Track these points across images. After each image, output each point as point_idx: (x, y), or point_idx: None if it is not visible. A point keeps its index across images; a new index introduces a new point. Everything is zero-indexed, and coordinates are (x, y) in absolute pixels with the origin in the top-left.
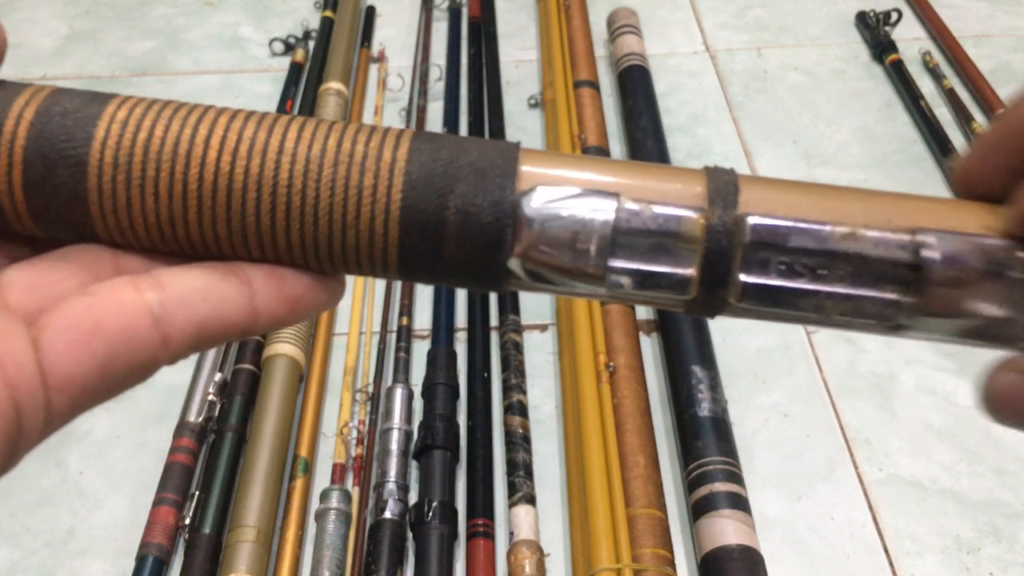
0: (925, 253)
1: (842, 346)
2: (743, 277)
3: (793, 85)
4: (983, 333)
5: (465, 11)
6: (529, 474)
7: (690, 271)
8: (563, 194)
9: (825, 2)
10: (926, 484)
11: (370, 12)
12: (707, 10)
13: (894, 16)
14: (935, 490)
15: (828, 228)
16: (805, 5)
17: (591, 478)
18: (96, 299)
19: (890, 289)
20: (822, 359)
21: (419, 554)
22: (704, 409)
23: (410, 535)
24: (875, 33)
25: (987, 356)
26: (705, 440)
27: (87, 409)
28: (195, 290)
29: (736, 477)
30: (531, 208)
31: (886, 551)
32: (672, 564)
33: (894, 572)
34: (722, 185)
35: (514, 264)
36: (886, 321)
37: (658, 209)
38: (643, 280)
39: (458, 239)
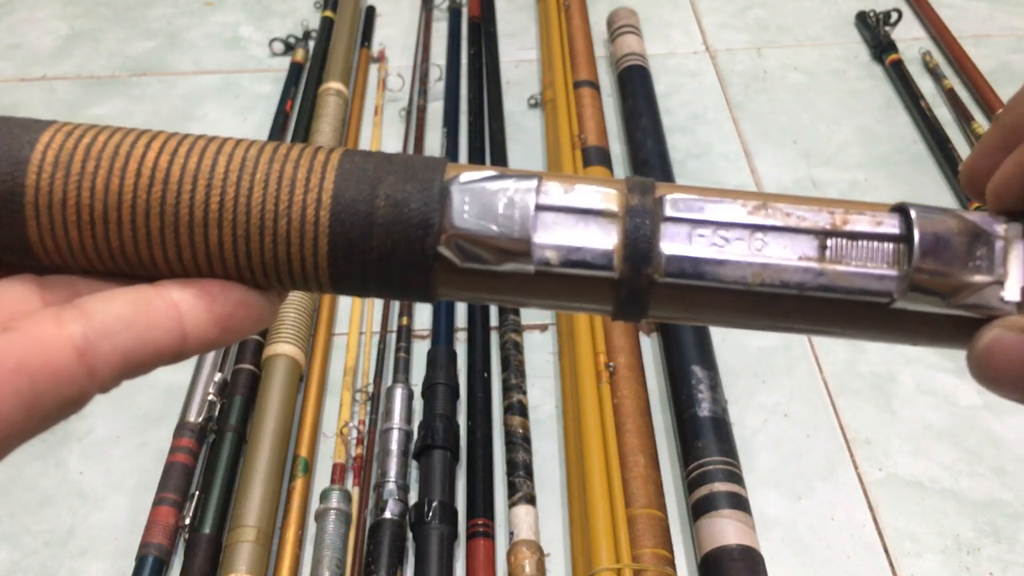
0: (914, 228)
1: (842, 346)
2: (665, 248)
3: (793, 85)
4: (966, 304)
5: (465, 11)
6: (529, 474)
7: (612, 244)
8: (487, 175)
9: (825, 2)
10: (926, 484)
11: (370, 12)
12: (707, 10)
13: (894, 16)
14: (935, 490)
15: (740, 200)
16: (805, 5)
17: (591, 478)
18: (19, 335)
19: (809, 258)
20: (822, 359)
21: (419, 554)
22: (704, 409)
23: (410, 535)
24: (875, 33)
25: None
26: (705, 440)
27: (17, 446)
28: (119, 318)
29: (736, 477)
30: (457, 187)
31: (886, 551)
32: (672, 564)
33: (894, 572)
34: (639, 182)
35: (443, 248)
36: (809, 291)
37: (579, 188)
38: (568, 255)
39: (388, 225)
